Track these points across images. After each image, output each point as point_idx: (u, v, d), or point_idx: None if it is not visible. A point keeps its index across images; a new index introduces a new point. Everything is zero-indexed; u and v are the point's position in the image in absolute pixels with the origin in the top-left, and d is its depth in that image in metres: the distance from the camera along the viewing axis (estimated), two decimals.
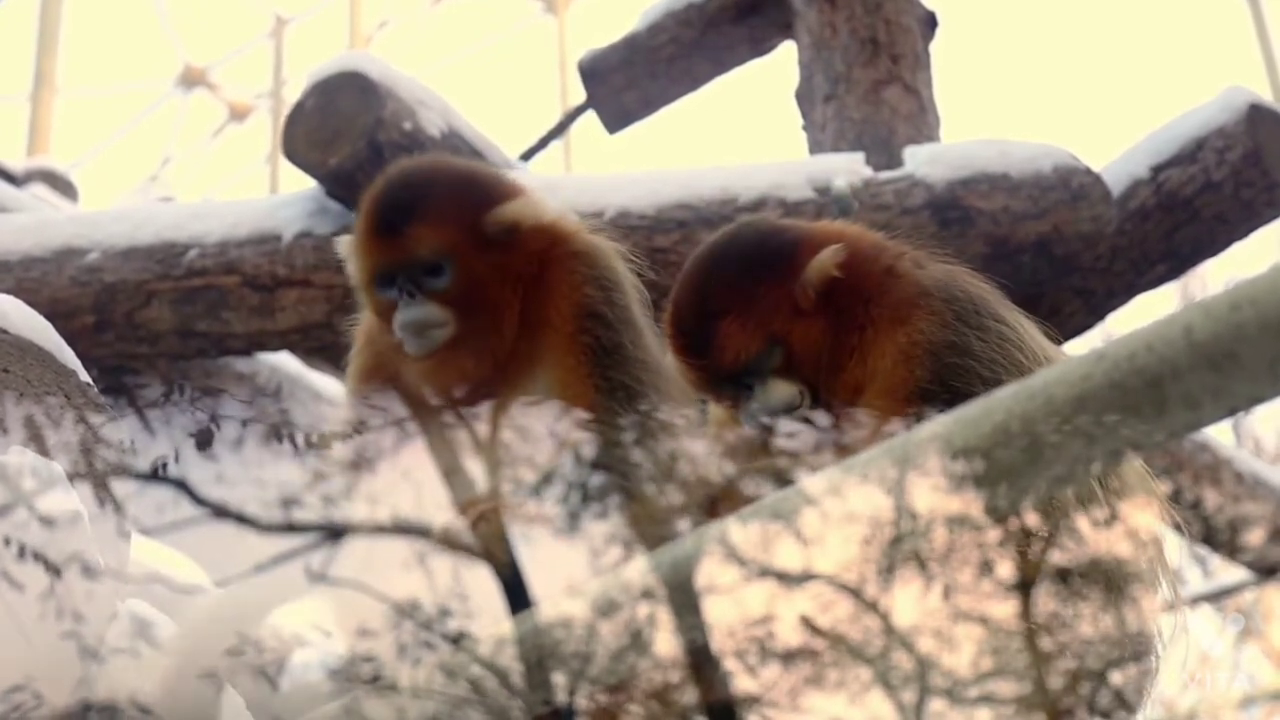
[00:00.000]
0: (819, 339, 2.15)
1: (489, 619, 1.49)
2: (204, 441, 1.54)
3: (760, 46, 4.41)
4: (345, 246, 2.26)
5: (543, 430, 1.64)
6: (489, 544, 1.52)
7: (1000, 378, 1.99)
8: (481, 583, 1.51)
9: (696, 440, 1.94)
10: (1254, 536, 5.14)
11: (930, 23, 4.18)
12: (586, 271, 2.18)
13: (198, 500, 1.47)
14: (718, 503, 1.59)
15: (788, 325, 2.16)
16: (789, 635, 1.39)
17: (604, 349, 2.12)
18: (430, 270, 2.13)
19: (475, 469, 1.71)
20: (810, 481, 1.45)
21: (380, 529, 1.51)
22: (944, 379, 2.00)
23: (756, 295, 2.18)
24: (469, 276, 2.14)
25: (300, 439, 1.58)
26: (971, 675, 1.37)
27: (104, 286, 3.53)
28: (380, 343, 2.21)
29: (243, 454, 1.56)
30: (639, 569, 1.45)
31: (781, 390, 2.16)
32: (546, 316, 2.16)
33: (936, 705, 1.36)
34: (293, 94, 3.67)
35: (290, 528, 1.48)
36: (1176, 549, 2.11)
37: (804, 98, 4.10)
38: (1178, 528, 2.16)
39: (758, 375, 2.18)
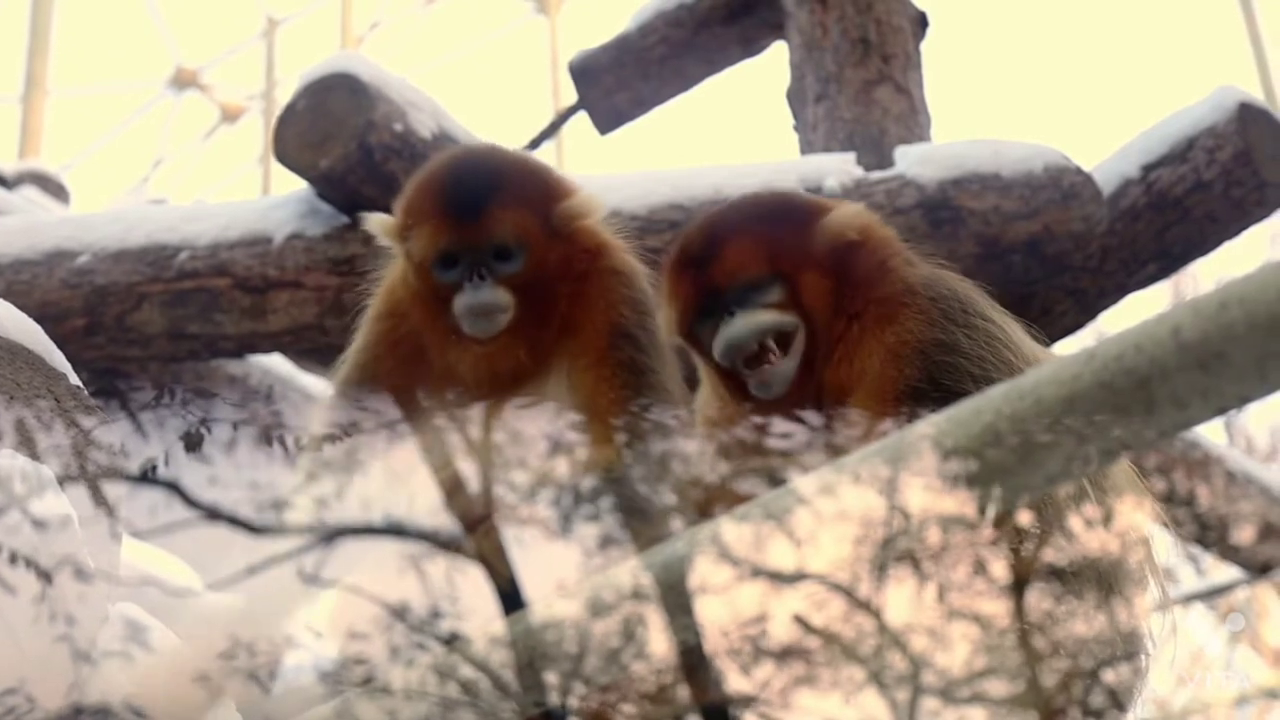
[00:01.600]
0: (818, 299, 2.12)
1: (481, 619, 1.49)
2: (193, 444, 1.54)
3: (751, 47, 4.41)
4: (382, 225, 2.23)
5: (540, 433, 1.64)
6: (484, 550, 1.52)
7: (990, 375, 1.99)
8: (473, 583, 1.51)
9: (714, 458, 1.94)
10: (1246, 535, 5.15)
11: (921, 22, 4.18)
12: (625, 292, 2.21)
13: (190, 503, 1.46)
14: (711, 503, 1.59)
15: (794, 266, 2.12)
16: (782, 635, 1.39)
17: (634, 368, 2.14)
18: (501, 255, 2.14)
19: (470, 471, 1.71)
20: (802, 481, 1.45)
21: (373, 531, 1.50)
22: (934, 377, 2.00)
23: (773, 229, 2.16)
24: (537, 265, 2.15)
25: (291, 440, 1.58)
26: (962, 674, 1.37)
27: (95, 289, 3.52)
28: (423, 324, 2.19)
29: (235, 456, 1.56)
30: (631, 569, 1.45)
31: (767, 315, 2.11)
32: (581, 326, 2.18)
33: (928, 704, 1.36)
34: (284, 95, 3.66)
35: (283, 530, 1.48)
36: (1168, 548, 2.11)
37: (795, 98, 4.10)
38: (1169, 527, 2.17)
39: (747, 304, 2.12)
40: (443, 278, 2.15)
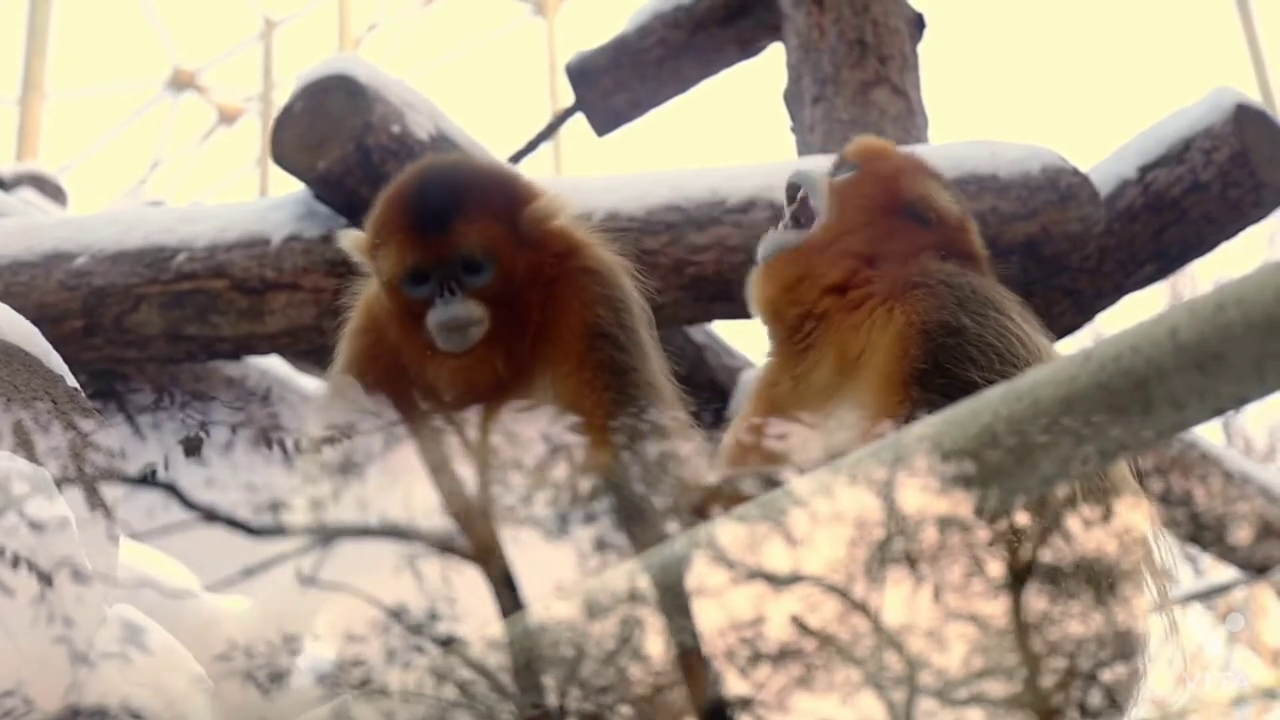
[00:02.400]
0: (858, 231, 2.26)
1: (478, 621, 1.49)
2: (192, 448, 1.54)
3: (749, 48, 4.41)
4: (355, 242, 2.23)
5: (535, 436, 1.64)
6: (481, 550, 1.52)
7: (994, 364, 2.00)
8: (470, 584, 1.51)
9: (701, 457, 1.96)
10: (1243, 535, 5.15)
11: (918, 24, 4.18)
12: (599, 290, 2.19)
13: (188, 504, 1.46)
14: (708, 504, 1.59)
15: (857, 206, 2.30)
16: (779, 636, 1.39)
17: (615, 368, 2.13)
18: (470, 268, 2.13)
19: (466, 474, 1.71)
20: (799, 483, 1.45)
21: (370, 532, 1.50)
22: (938, 361, 2.02)
23: (878, 161, 2.38)
24: (507, 275, 2.14)
25: (289, 443, 1.58)
26: (959, 675, 1.37)
27: (93, 290, 3.52)
28: (399, 340, 2.19)
29: (233, 458, 1.56)
30: (629, 571, 1.45)
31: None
32: (557, 330, 2.16)
33: (925, 705, 1.36)
34: (282, 97, 3.66)
35: (281, 531, 1.48)
36: (1167, 548, 2.11)
37: (792, 99, 4.11)
38: (1165, 529, 2.17)
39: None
40: (413, 294, 2.14)
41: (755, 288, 2.32)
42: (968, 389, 1.88)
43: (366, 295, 2.29)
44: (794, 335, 2.24)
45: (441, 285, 2.12)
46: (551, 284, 2.19)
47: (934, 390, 1.96)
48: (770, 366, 2.31)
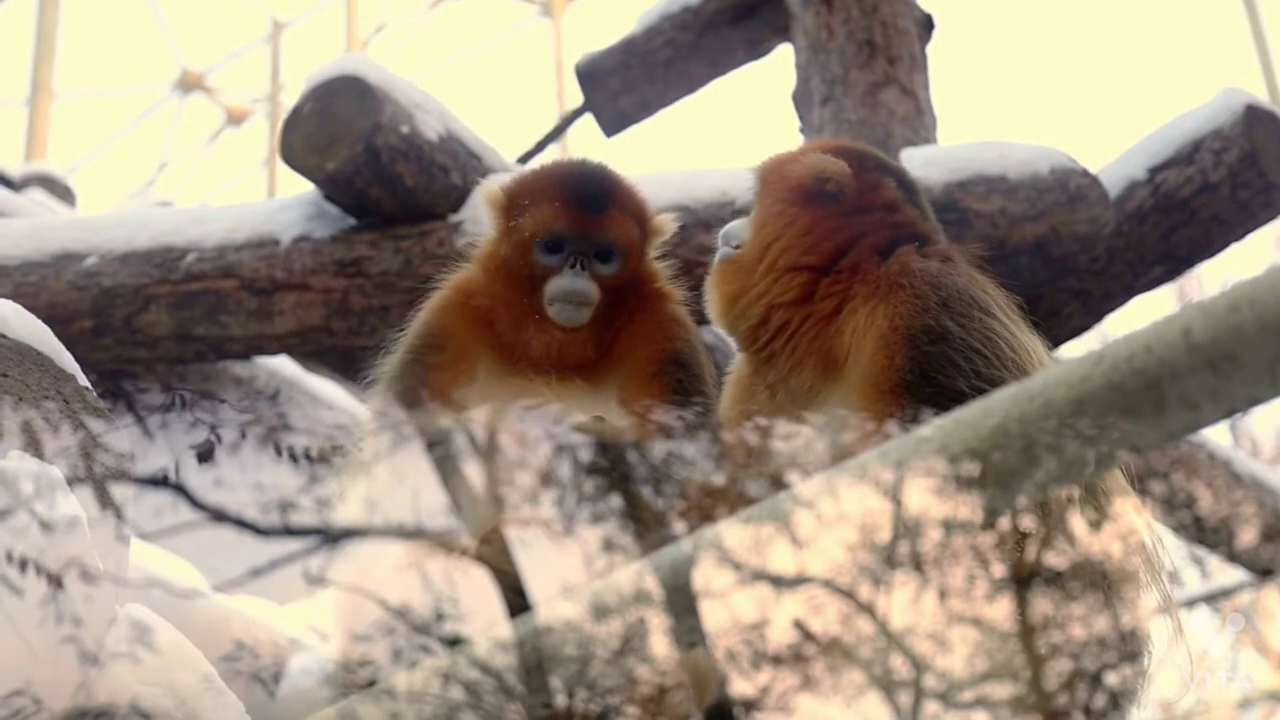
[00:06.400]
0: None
1: (483, 621, 1.49)
2: (205, 455, 1.54)
3: (757, 49, 4.41)
4: (490, 196, 2.34)
5: (541, 439, 1.64)
6: (492, 555, 1.52)
7: (979, 369, 2.00)
8: (475, 584, 1.51)
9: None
10: (1251, 537, 5.14)
11: (927, 25, 4.18)
12: (677, 319, 2.35)
13: (197, 505, 1.46)
14: (715, 506, 1.59)
15: (768, 214, 2.33)
16: (787, 638, 1.39)
17: (684, 391, 2.26)
18: (603, 254, 2.28)
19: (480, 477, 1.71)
20: (808, 485, 1.45)
21: (378, 533, 1.50)
22: (922, 368, 2.01)
23: (772, 169, 2.39)
24: (626, 274, 2.30)
25: (306, 451, 1.58)
26: (965, 677, 1.36)
27: (102, 291, 3.53)
28: (505, 300, 2.29)
29: (241, 459, 1.56)
30: (636, 572, 1.45)
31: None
32: (634, 349, 2.30)
33: (931, 707, 1.36)
34: (290, 98, 3.67)
35: (289, 532, 1.48)
36: (1173, 550, 2.11)
37: (801, 100, 4.10)
38: (1173, 529, 2.17)
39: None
40: (544, 260, 2.26)
41: (706, 302, 2.40)
42: (955, 398, 1.92)
43: (458, 278, 2.38)
44: (752, 346, 2.30)
45: (575, 258, 2.25)
46: (639, 303, 2.34)
47: (922, 399, 1.97)
48: (740, 384, 2.35)
